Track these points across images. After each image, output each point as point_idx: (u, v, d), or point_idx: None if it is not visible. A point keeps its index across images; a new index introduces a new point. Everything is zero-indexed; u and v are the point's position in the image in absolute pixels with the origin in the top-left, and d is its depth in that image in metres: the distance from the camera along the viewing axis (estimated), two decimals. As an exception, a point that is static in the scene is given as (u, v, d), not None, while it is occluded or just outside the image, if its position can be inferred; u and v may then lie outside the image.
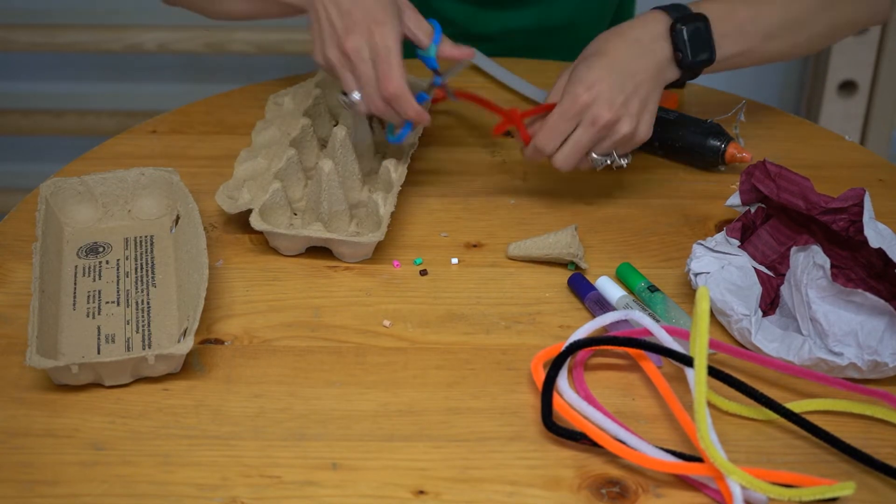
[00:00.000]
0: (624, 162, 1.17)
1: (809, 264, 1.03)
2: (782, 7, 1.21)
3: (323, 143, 1.24)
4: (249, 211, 1.12)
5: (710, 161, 1.26)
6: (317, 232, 1.11)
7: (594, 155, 1.15)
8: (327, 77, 1.28)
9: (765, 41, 1.21)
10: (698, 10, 1.18)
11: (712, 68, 1.19)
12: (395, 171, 1.16)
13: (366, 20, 1.10)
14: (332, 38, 1.12)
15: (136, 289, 1.07)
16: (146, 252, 1.11)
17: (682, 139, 1.27)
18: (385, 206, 1.12)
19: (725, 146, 1.25)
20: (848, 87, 2.24)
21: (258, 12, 1.26)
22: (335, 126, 1.16)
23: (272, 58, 2.21)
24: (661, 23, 1.17)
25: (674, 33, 1.16)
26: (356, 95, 1.13)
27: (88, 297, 1.06)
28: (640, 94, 1.14)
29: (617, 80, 1.13)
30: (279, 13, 1.23)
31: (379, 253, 1.13)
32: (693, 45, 1.16)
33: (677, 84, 1.20)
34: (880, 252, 1.03)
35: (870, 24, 1.31)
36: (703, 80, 1.46)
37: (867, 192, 1.05)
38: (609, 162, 1.16)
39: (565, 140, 1.14)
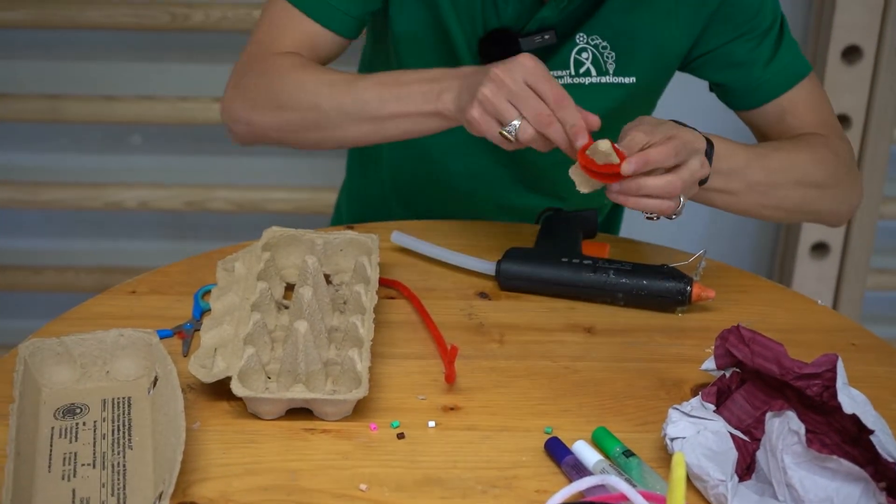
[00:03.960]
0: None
1: (784, 430, 1.04)
2: (764, 170, 1.30)
3: (278, 306, 1.24)
4: (226, 378, 1.12)
5: (676, 303, 1.30)
6: (300, 393, 1.11)
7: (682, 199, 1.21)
8: (272, 240, 1.29)
9: (747, 191, 1.30)
10: (709, 137, 1.25)
11: (696, 195, 1.26)
12: (362, 326, 1.17)
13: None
14: (480, 86, 1.19)
15: (113, 451, 1.06)
16: (123, 413, 1.11)
17: (645, 287, 1.30)
18: (362, 361, 1.13)
19: (691, 287, 1.29)
20: (820, 248, 2.28)
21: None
22: (301, 288, 1.17)
23: (251, 216, 2.24)
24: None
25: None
26: (516, 122, 1.18)
27: (64, 459, 1.05)
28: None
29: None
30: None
31: (356, 415, 1.13)
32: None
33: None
34: (854, 418, 1.04)
35: (830, 220, 1.43)
36: (681, 241, 1.49)
37: (840, 358, 1.06)
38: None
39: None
